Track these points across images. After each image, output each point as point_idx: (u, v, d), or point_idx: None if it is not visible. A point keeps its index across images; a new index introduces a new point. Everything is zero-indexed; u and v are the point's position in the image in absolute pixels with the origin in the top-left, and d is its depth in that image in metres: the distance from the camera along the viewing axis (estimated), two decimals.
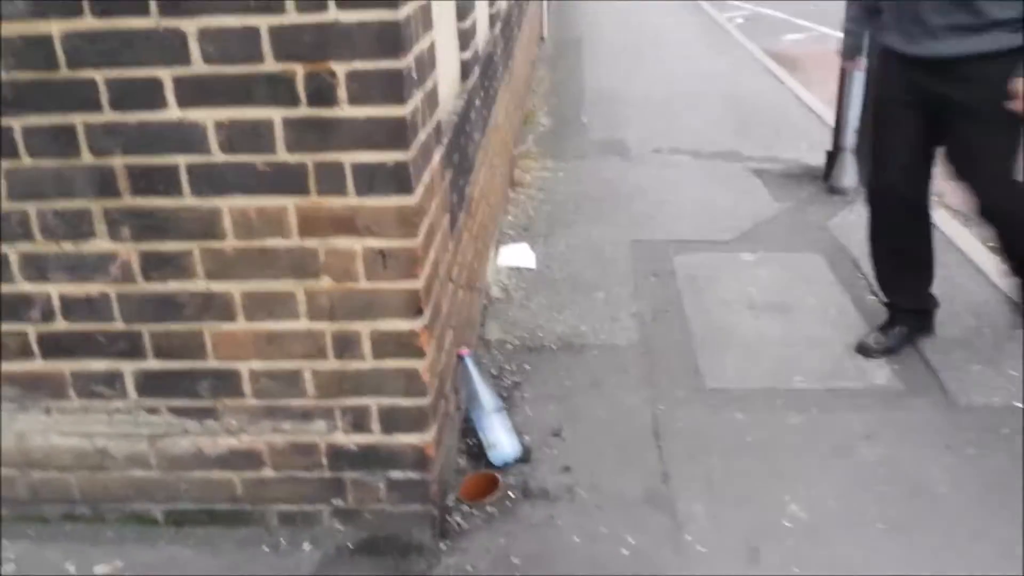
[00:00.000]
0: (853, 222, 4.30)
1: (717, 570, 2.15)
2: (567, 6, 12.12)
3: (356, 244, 1.97)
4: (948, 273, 3.72)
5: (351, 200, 1.94)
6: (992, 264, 3.80)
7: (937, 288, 3.29)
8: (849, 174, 4.66)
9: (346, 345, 2.06)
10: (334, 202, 1.94)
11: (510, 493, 2.42)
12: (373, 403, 2.11)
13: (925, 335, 3.18)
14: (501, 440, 2.55)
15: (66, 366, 2.12)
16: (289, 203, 1.95)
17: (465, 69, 3.07)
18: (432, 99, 2.19)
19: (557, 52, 9.08)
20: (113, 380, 2.12)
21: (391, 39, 1.81)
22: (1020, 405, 2.79)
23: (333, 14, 1.79)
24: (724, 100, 6.90)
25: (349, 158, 1.90)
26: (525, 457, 2.57)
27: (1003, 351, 3.10)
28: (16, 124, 1.90)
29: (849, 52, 3.29)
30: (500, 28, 4.37)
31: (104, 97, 1.87)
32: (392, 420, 2.13)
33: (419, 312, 2.03)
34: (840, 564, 2.16)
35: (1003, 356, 3.07)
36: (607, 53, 8.83)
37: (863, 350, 3.11)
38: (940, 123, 2.77)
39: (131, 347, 2.09)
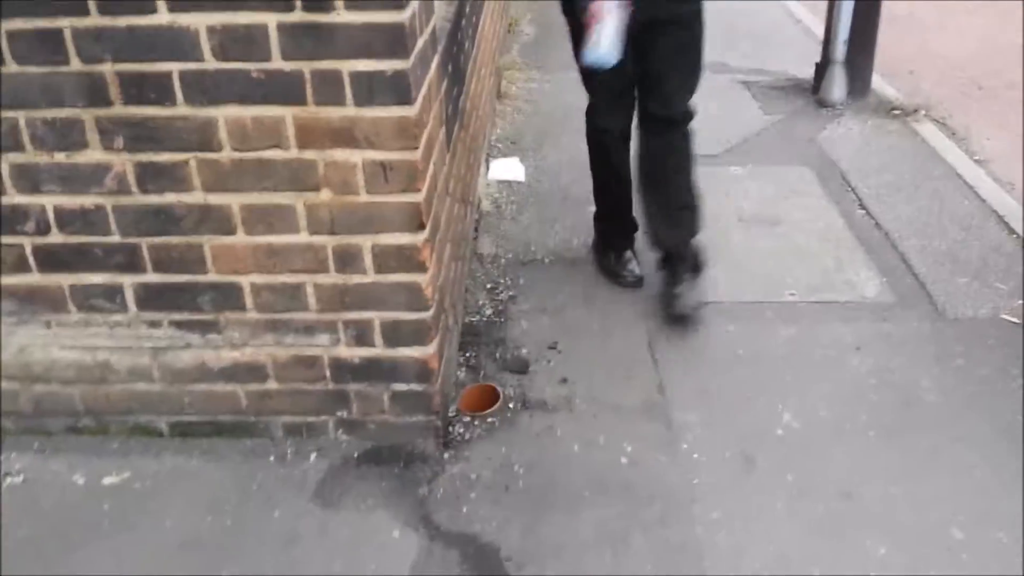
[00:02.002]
0: (842, 135, 4.29)
1: (713, 477, 2.20)
2: None
3: (356, 156, 1.93)
4: (935, 186, 3.75)
5: (349, 110, 1.89)
6: (978, 177, 3.82)
7: (922, 200, 3.31)
8: (839, 87, 4.61)
9: (348, 259, 2.04)
10: (332, 112, 1.89)
11: (509, 404, 2.45)
12: (375, 317, 2.11)
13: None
14: (603, 43, 2.41)
15: (64, 279, 2.08)
16: (286, 113, 1.90)
17: None
18: (428, 5, 2.12)
19: None
20: (113, 294, 2.09)
21: None
22: (1007, 317, 2.84)
23: None
24: (712, 9, 6.74)
25: (347, 66, 1.84)
26: (523, 369, 2.59)
27: (989, 264, 3.15)
28: (0, 28, 1.82)
29: None
30: None
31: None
32: (394, 333, 2.13)
33: (421, 226, 2.01)
34: (833, 471, 2.22)
35: (989, 269, 3.11)
36: None
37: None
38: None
39: (129, 260, 2.05)
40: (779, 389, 2.53)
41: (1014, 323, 2.80)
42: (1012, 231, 3.37)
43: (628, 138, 2.95)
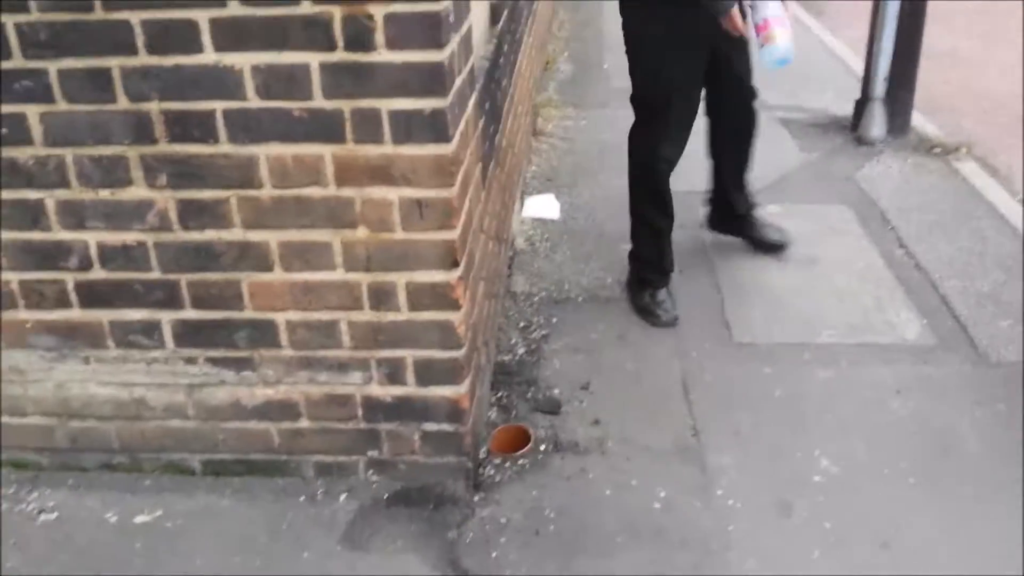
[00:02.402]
0: (881, 173, 4.24)
1: (749, 523, 2.16)
2: None
3: (392, 193, 1.95)
4: (977, 226, 3.68)
5: (387, 148, 1.90)
6: (1021, 217, 3.75)
7: (964, 240, 3.40)
8: (878, 124, 4.57)
9: (382, 296, 2.04)
10: (371, 150, 1.91)
11: (541, 446, 2.42)
12: (408, 355, 2.10)
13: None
14: (787, 43, 2.65)
15: (104, 315, 2.11)
16: (326, 151, 1.92)
17: (495, 13, 3.00)
18: (467, 44, 2.14)
19: None
20: (151, 330, 2.12)
21: None
22: None
23: None
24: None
25: (386, 105, 1.86)
26: (555, 410, 2.57)
27: None
28: (51, 67, 1.86)
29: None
30: None
31: (140, 39, 1.83)
32: (427, 372, 2.12)
33: (455, 263, 2.01)
34: (872, 518, 2.17)
35: None
36: None
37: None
38: None
39: (168, 296, 2.07)
40: (817, 433, 2.48)
41: None
42: None
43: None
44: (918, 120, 4.78)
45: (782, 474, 2.33)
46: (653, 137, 2.99)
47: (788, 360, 2.82)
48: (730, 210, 3.51)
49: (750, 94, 3.32)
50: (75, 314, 2.12)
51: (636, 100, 3.03)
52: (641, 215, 3.16)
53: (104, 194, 1.98)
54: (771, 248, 3.48)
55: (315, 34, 1.80)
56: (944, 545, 2.08)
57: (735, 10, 2.69)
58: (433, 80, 1.84)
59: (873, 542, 2.10)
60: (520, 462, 2.36)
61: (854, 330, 2.98)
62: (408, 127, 1.88)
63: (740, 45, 3.05)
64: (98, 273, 2.06)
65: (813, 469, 2.34)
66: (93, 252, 2.04)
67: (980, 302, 3.12)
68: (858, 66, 4.97)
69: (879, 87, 4.54)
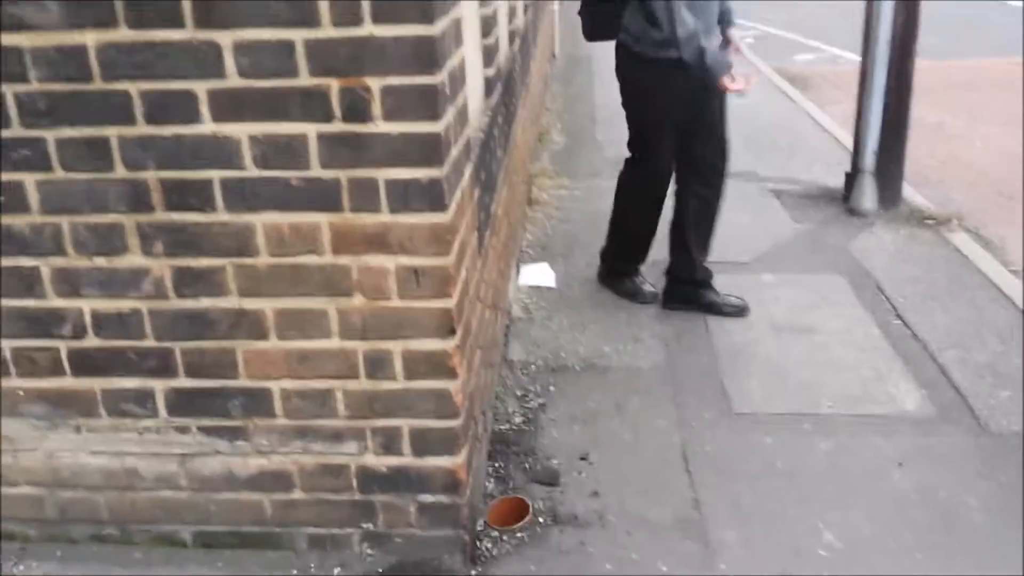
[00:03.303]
0: (875, 244, 4.27)
1: None
2: (578, 24, 12.18)
3: (389, 262, 1.94)
4: (972, 296, 3.69)
5: (384, 217, 1.91)
6: (1015, 288, 3.77)
7: (959, 311, 3.45)
8: (869, 196, 4.63)
9: (378, 365, 2.02)
10: (367, 219, 1.91)
11: (539, 518, 2.37)
12: (404, 424, 2.07)
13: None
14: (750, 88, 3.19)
15: (97, 383, 2.08)
16: (323, 219, 1.92)
17: (489, 86, 3.05)
18: (463, 115, 2.17)
19: (569, 69, 9.09)
20: (144, 398, 2.09)
21: (426, 54, 1.78)
22: None
23: (368, 28, 1.76)
24: (738, 121, 6.81)
25: (383, 174, 1.87)
26: (553, 481, 2.53)
27: None
28: (49, 136, 1.87)
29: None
30: (518, 45, 4.35)
31: (138, 110, 1.84)
32: (423, 442, 2.09)
33: (452, 332, 1.99)
34: None
35: None
36: None
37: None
38: None
39: (162, 364, 2.05)
40: (819, 505, 2.43)
41: None
42: None
43: None
44: (908, 192, 4.85)
45: (785, 548, 2.27)
46: (653, 156, 3.50)
47: (788, 431, 2.79)
48: (691, 280, 3.63)
49: (721, 145, 3.50)
50: (67, 382, 2.09)
51: (633, 136, 3.57)
52: (638, 218, 3.66)
53: (100, 261, 1.97)
54: (735, 312, 3.58)
55: (313, 105, 1.82)
56: None
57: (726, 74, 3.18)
58: (430, 150, 1.85)
59: None
60: (518, 535, 2.30)
61: (854, 401, 2.95)
62: (405, 196, 1.88)
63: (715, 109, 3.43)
64: (92, 341, 2.04)
65: (817, 543, 2.30)
66: (87, 319, 2.02)
67: (979, 372, 3.10)
68: (846, 139, 5.07)
69: (869, 160, 4.61)
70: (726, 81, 3.17)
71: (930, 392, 3.00)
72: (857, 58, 4.69)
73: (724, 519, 2.38)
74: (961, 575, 2.17)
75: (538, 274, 3.93)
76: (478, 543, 2.26)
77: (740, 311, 3.57)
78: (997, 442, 2.72)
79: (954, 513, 2.40)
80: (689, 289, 3.62)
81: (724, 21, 3.37)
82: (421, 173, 1.86)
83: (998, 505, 2.42)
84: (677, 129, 3.40)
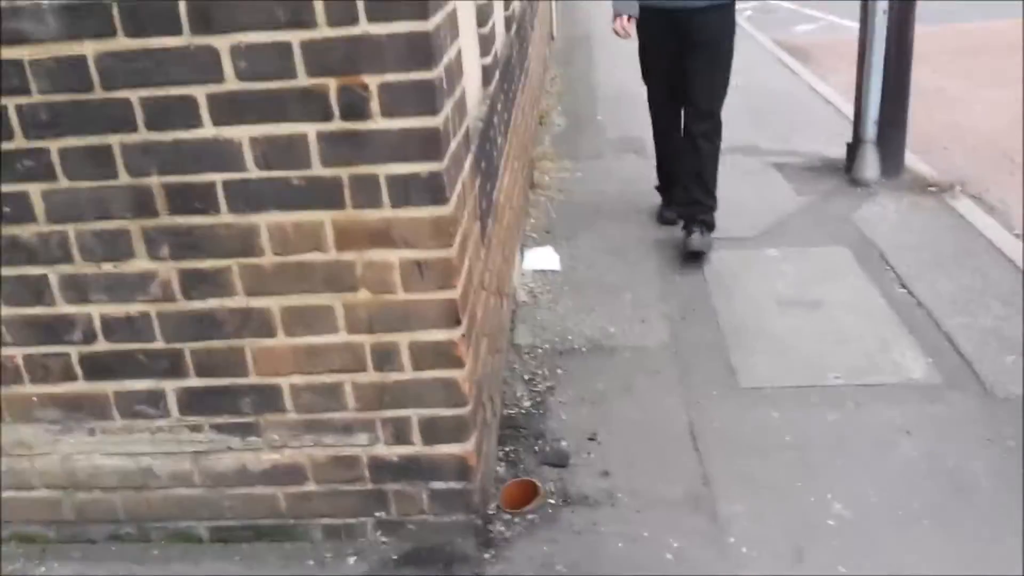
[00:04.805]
0: (878, 214, 4.27)
1: (762, 571, 2.13)
2: (575, 4, 12.11)
3: (393, 256, 1.97)
4: (976, 263, 3.70)
5: (386, 212, 1.93)
6: (1019, 252, 3.77)
7: (963, 277, 3.44)
8: (871, 166, 4.62)
9: (385, 357, 2.05)
10: (370, 215, 1.94)
11: (550, 500, 2.41)
12: (414, 414, 2.11)
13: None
14: None
15: (109, 387, 2.12)
16: (325, 217, 1.95)
17: (487, 74, 3.06)
18: (461, 107, 2.19)
19: (568, 50, 9.06)
20: (156, 399, 2.13)
21: (422, 50, 1.80)
22: None
23: (364, 27, 1.78)
24: (738, 93, 6.76)
25: (383, 170, 1.90)
26: (563, 462, 2.56)
27: None
28: (53, 146, 1.91)
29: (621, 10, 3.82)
30: (515, 30, 4.35)
31: (139, 117, 1.87)
32: (433, 430, 2.12)
33: (457, 322, 2.02)
34: (887, 562, 2.14)
35: None
36: (618, 50, 8.78)
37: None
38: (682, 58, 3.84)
39: (172, 365, 2.09)
40: (828, 476, 2.46)
41: None
42: None
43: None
44: (910, 160, 4.84)
45: (794, 520, 2.31)
46: (647, 86, 4.13)
47: (795, 404, 2.81)
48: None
49: (699, 117, 3.88)
50: (80, 386, 2.13)
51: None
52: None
53: (107, 267, 2.01)
54: (689, 256, 3.87)
55: (312, 105, 1.85)
56: None
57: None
58: (429, 145, 1.87)
59: None
60: (530, 517, 2.34)
61: (860, 371, 2.98)
62: (406, 191, 1.91)
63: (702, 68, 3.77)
64: (102, 345, 2.08)
65: (826, 513, 2.33)
66: (97, 324, 2.06)
67: (984, 338, 3.12)
68: (848, 109, 5.05)
69: (870, 129, 4.60)
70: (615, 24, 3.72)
71: (936, 359, 3.01)
72: (857, 26, 4.67)
73: (733, 493, 2.41)
74: (968, 541, 2.20)
75: (542, 258, 3.95)
76: (491, 527, 2.30)
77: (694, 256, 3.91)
78: (1003, 407, 2.74)
79: (961, 480, 2.42)
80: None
81: None
82: (421, 167, 1.89)
83: (1004, 470, 2.44)
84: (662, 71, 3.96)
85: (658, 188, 4.40)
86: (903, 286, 3.53)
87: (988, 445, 2.56)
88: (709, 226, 3.93)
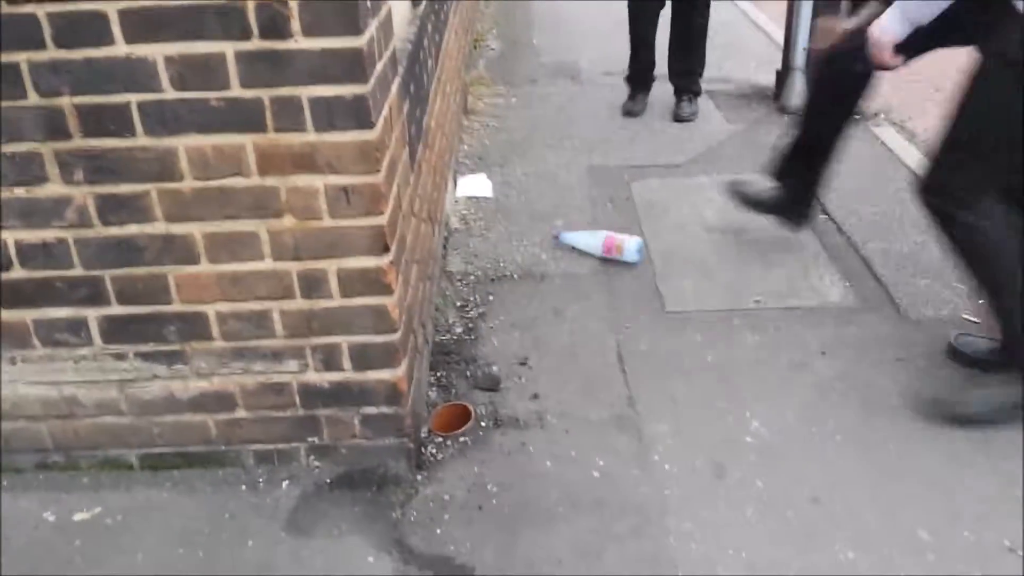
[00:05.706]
0: None
1: (684, 487, 2.22)
2: None
3: (318, 181, 1.94)
4: (896, 190, 3.80)
5: (310, 136, 1.90)
6: None
7: (884, 204, 3.57)
8: (799, 94, 4.67)
9: (313, 284, 2.04)
10: (293, 138, 1.90)
11: (482, 423, 2.46)
12: (343, 341, 2.11)
13: None
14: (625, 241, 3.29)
15: (28, 315, 2.07)
16: (247, 141, 1.90)
17: None
18: (387, 28, 2.14)
19: None
20: (77, 327, 2.08)
21: None
22: (967, 316, 2.89)
23: None
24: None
25: (306, 92, 1.85)
26: (494, 387, 2.61)
27: (948, 265, 3.19)
28: None
29: None
30: None
31: (47, 33, 1.78)
32: (363, 357, 2.13)
33: (385, 249, 2.01)
34: (801, 476, 2.25)
35: (948, 270, 3.16)
36: None
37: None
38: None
39: (93, 293, 2.04)
40: (747, 396, 2.56)
41: (974, 322, 2.85)
42: None
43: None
44: None
45: (715, 438, 2.40)
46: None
47: (718, 327, 2.90)
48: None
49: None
50: None
51: None
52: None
53: (19, 192, 1.94)
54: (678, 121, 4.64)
55: (229, 23, 1.78)
56: (871, 499, 2.17)
57: None
58: (353, 66, 1.83)
59: (804, 498, 2.18)
60: (462, 440, 2.39)
61: (780, 295, 3.07)
62: (330, 114, 1.87)
63: None
64: (19, 272, 2.02)
65: (745, 431, 2.42)
66: (12, 252, 2.00)
67: (900, 263, 3.24)
68: (780, 36, 5.07)
69: (799, 57, 4.64)
70: None
71: (854, 284, 3.12)
72: None
73: (657, 414, 2.49)
74: (879, 456, 2.32)
75: (475, 185, 3.93)
76: (423, 449, 2.34)
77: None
78: (915, 328, 2.86)
79: (873, 398, 2.54)
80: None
81: None
82: (345, 90, 1.85)
83: (914, 388, 2.56)
84: None
85: (627, 79, 4.83)
86: (825, 213, 3.63)
87: (899, 365, 2.68)
88: (697, 93, 4.76)
